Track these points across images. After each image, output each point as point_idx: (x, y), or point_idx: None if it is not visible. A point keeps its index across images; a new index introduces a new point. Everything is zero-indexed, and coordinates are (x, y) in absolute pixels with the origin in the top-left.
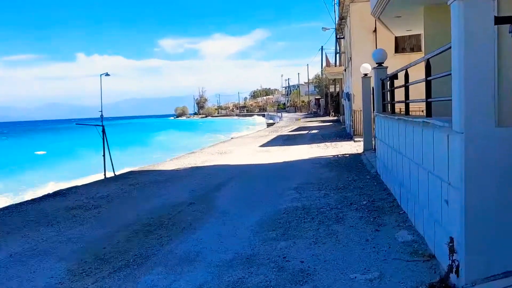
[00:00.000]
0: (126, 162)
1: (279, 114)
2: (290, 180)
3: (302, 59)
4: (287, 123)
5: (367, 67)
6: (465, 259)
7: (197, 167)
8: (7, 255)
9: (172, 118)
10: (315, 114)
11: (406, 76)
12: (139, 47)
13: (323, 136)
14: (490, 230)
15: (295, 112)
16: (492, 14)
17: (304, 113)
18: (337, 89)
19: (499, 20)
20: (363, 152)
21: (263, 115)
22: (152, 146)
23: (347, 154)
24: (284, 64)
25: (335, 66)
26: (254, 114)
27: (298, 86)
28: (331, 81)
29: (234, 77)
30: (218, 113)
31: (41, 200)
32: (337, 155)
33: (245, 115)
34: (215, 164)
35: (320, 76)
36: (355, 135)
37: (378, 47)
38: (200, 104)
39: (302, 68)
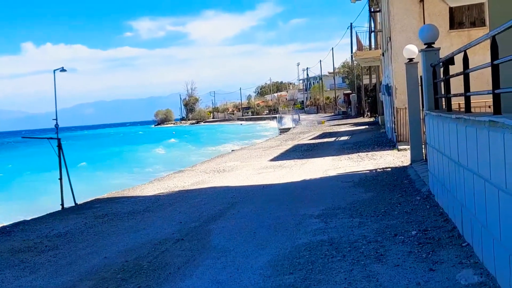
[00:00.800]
0: (91, 188)
1: (296, 116)
2: (312, 205)
3: (324, 41)
4: (307, 128)
5: (412, 50)
6: None
7: (186, 190)
8: None
9: (153, 126)
10: (345, 115)
11: (466, 60)
12: (106, 32)
13: (356, 144)
14: None
15: (317, 112)
16: None
17: (330, 114)
18: (373, 81)
19: None
20: (411, 164)
21: (274, 118)
22: (126, 165)
23: (389, 167)
24: (301, 49)
25: (369, 49)
26: (263, 117)
27: (321, 78)
28: (365, 70)
29: (234, 69)
30: (213, 117)
31: None
32: (375, 169)
33: (251, 119)
34: (210, 186)
35: (350, 63)
36: (399, 141)
37: (426, 23)
38: (189, 105)
39: (325, 54)
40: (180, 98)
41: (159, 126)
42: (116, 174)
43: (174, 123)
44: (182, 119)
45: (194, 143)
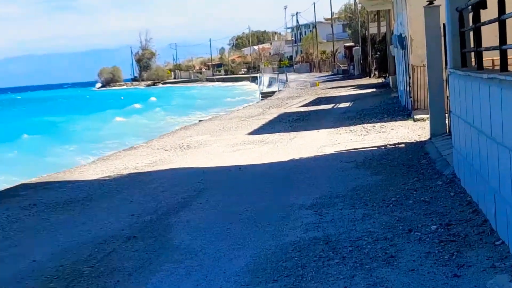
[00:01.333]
0: (15, 169)
1: (282, 75)
2: (303, 192)
3: None
4: (297, 92)
5: None
6: None
7: (139, 173)
8: None
9: (96, 88)
10: (345, 75)
11: (502, 2)
12: None
13: (360, 113)
14: None
15: (310, 71)
16: None
17: (326, 74)
18: (383, 30)
19: None
20: (430, 138)
21: (254, 79)
22: (62, 138)
23: (402, 143)
24: None
25: None
26: (240, 78)
27: (315, 27)
28: (372, 15)
29: (201, 14)
30: (175, 77)
31: None
32: (385, 145)
33: (224, 79)
34: (171, 167)
35: (353, 7)
36: (415, 109)
37: None
38: (143, 62)
39: None
40: (132, 52)
41: (103, 88)
42: (62, 150)
43: (123, 85)
44: (134, 79)
45: (149, 111)
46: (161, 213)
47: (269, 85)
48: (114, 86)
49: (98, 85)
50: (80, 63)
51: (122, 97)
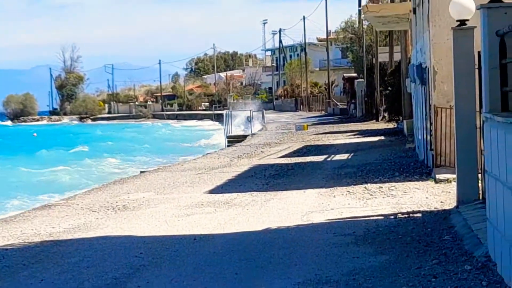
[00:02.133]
0: None
1: (258, 113)
2: (280, 274)
3: None
4: (276, 137)
5: (465, 5)
6: None
7: (55, 242)
8: None
9: (4, 122)
10: (344, 116)
11: None
12: None
13: (362, 168)
14: None
15: (296, 109)
16: None
17: (318, 114)
18: (396, 58)
19: None
20: (457, 207)
21: (219, 117)
22: None
23: (419, 211)
24: None
25: (390, 1)
26: (200, 114)
27: (304, 49)
28: (382, 37)
29: (150, 27)
30: (109, 111)
31: None
32: (395, 214)
33: (177, 116)
34: (100, 234)
35: (356, 25)
36: (438, 166)
37: None
38: (67, 88)
39: (311, 6)
40: (51, 76)
41: (13, 124)
42: None
43: (37, 119)
44: (54, 112)
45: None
46: None
47: (238, 125)
48: (26, 121)
49: (5, 120)
50: None
51: (35, 134)
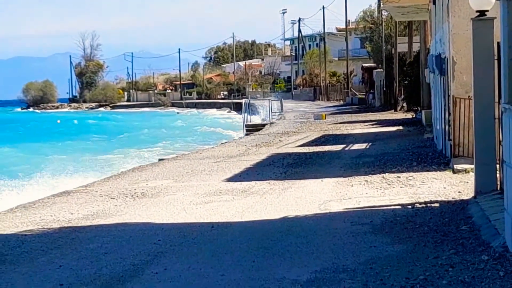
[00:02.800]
0: None
1: (277, 102)
2: (298, 263)
3: None
4: (295, 126)
5: None
6: None
7: (74, 228)
8: None
9: (20, 109)
10: (363, 106)
11: None
12: None
13: (380, 158)
14: None
15: (315, 99)
16: None
17: (336, 104)
18: (415, 48)
19: None
20: (474, 197)
21: (238, 106)
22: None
23: (436, 201)
24: None
25: None
26: (219, 103)
27: (323, 39)
28: (402, 27)
29: (169, 16)
30: (129, 99)
31: None
32: (412, 204)
33: (196, 105)
34: (118, 221)
35: (375, 15)
36: (456, 156)
37: None
38: (87, 76)
39: None
40: (71, 63)
41: (29, 110)
42: None
43: (56, 107)
44: (73, 99)
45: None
46: (101, 283)
47: (256, 113)
48: (45, 108)
49: (21, 107)
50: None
51: (58, 121)
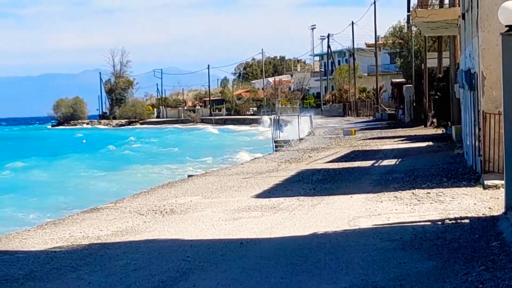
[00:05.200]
0: None
1: (306, 118)
2: (327, 279)
3: None
4: (324, 142)
5: None
6: None
7: (103, 245)
8: None
9: (50, 126)
10: (392, 121)
11: None
12: None
13: (410, 173)
14: None
15: (344, 114)
16: None
17: (365, 119)
18: (445, 63)
19: None
20: (505, 213)
21: (267, 121)
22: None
23: (466, 217)
24: (317, 1)
25: (440, 6)
26: (248, 119)
27: (353, 55)
28: (431, 42)
29: (198, 32)
30: (158, 116)
31: None
32: (442, 220)
33: (225, 121)
34: (148, 238)
35: (405, 30)
36: (486, 172)
37: None
38: (116, 93)
39: (359, 12)
40: (101, 80)
41: (59, 127)
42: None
43: (88, 123)
44: (103, 116)
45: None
46: None
47: (284, 129)
48: (75, 124)
49: (51, 124)
50: (27, 92)
51: (84, 141)
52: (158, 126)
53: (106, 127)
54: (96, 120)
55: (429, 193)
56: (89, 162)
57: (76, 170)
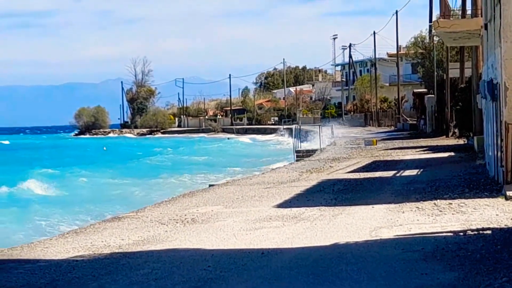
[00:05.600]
0: None
1: (327, 128)
2: None
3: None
4: (345, 152)
5: None
6: None
7: (124, 254)
8: None
9: (73, 135)
10: (414, 131)
11: None
12: None
13: (432, 184)
14: None
15: (365, 124)
16: None
17: (387, 129)
18: (467, 74)
19: None
20: None
21: (288, 131)
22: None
23: (489, 228)
24: (339, 11)
25: (462, 16)
26: (269, 129)
27: (374, 64)
28: (453, 52)
29: (219, 41)
30: (179, 125)
31: None
32: (464, 231)
33: (246, 130)
34: (168, 247)
35: (427, 40)
36: (508, 182)
37: None
38: (138, 102)
39: (381, 21)
40: (123, 89)
41: (81, 136)
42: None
43: (107, 132)
44: (124, 125)
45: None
46: None
47: (306, 139)
48: (97, 133)
49: (74, 133)
50: (51, 100)
51: (104, 148)
52: (181, 135)
53: (131, 135)
54: (117, 129)
55: (451, 203)
56: (130, 171)
57: (121, 179)
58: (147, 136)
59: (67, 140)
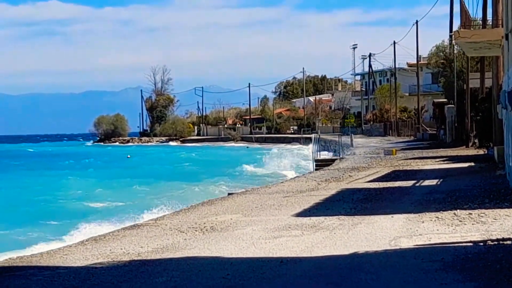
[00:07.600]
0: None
1: (346, 138)
2: None
3: (401, 9)
4: (365, 161)
5: None
6: None
7: (143, 261)
8: None
9: (92, 142)
10: (434, 141)
11: None
12: None
13: (451, 194)
14: None
15: (385, 134)
16: None
17: (406, 139)
18: (488, 84)
19: None
20: None
21: (308, 140)
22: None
23: (509, 239)
24: (359, 20)
25: (483, 26)
26: (288, 138)
27: (394, 74)
28: (473, 62)
29: (239, 50)
30: (199, 133)
31: None
32: (484, 241)
33: (266, 139)
34: (187, 255)
35: (447, 50)
36: None
37: None
38: (157, 110)
39: (401, 31)
40: (142, 97)
41: (101, 143)
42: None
43: (126, 141)
44: (144, 133)
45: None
46: None
47: (326, 149)
48: (116, 141)
49: (92, 141)
50: (70, 108)
51: (128, 156)
52: (200, 144)
53: (149, 144)
54: (137, 137)
55: (471, 214)
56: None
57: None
58: (167, 144)
59: (88, 148)
